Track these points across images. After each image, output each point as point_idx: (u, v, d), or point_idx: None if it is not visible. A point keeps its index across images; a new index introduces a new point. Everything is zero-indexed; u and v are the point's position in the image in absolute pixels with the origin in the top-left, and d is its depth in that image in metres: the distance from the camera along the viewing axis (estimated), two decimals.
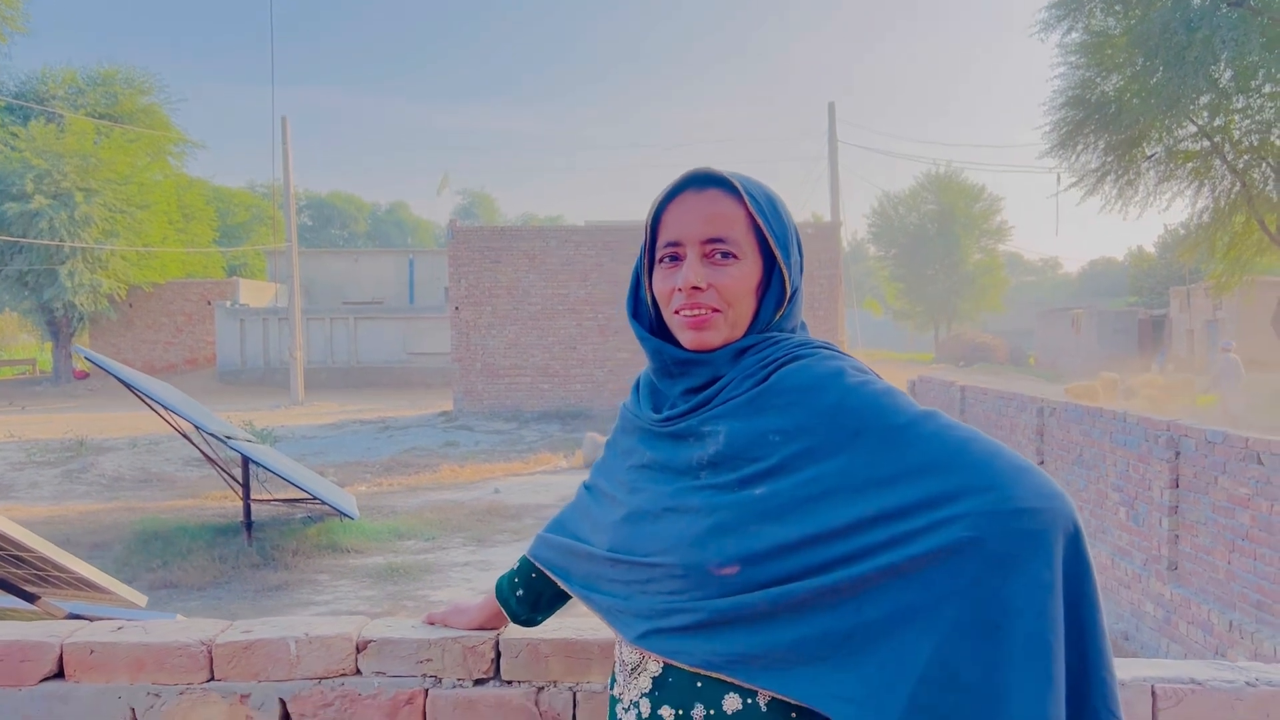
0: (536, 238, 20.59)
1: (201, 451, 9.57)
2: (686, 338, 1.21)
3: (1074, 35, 17.42)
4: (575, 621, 1.64)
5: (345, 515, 8.91)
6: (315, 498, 8.78)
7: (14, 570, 3.55)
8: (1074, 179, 18.39)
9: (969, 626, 1.01)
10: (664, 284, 1.22)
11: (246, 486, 9.32)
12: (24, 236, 26.60)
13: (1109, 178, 17.77)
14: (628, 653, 1.23)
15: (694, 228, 1.19)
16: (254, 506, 9.45)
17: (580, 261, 20.17)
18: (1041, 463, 7.54)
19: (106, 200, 27.69)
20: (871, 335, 59.56)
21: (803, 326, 1.30)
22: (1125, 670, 1.53)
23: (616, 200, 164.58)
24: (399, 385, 28.70)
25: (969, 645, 1.01)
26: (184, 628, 1.63)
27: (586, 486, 1.38)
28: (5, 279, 28.59)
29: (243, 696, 1.58)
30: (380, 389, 28.16)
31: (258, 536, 9.26)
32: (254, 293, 33.33)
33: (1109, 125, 16.93)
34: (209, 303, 31.19)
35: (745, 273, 1.19)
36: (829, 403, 1.13)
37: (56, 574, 3.48)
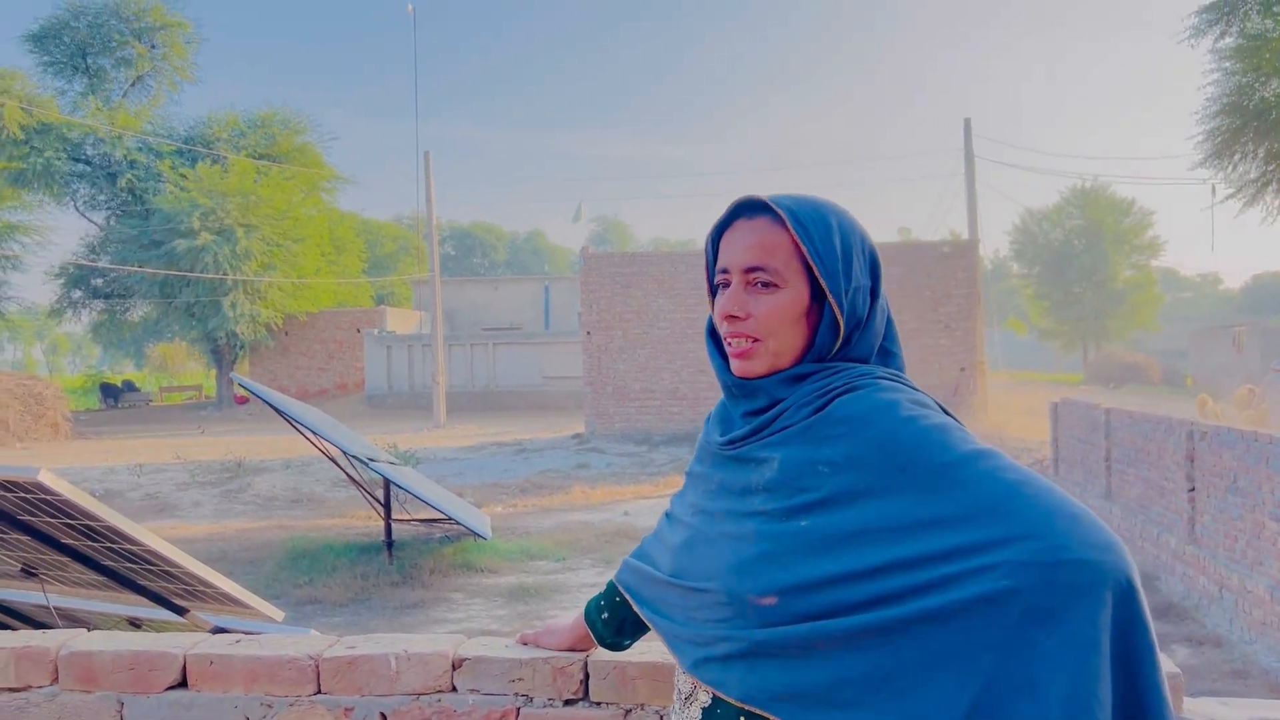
0: (665, 262, 20.75)
1: (346, 473, 10.00)
2: (733, 365, 1.23)
3: (1228, 40, 16.49)
4: (663, 645, 1.66)
5: (478, 535, 9.15)
6: (450, 518, 9.05)
7: (166, 585, 3.81)
8: (1231, 190, 17.35)
9: (1006, 680, 0.98)
10: (716, 311, 1.24)
11: (387, 507, 9.68)
12: (191, 270, 28.49)
13: (1270, 187, 16.69)
14: (683, 680, 1.25)
15: (738, 256, 1.21)
16: (394, 526, 9.80)
17: None
18: (1192, 489, 7.12)
19: (265, 235, 29.42)
20: (1016, 355, 57.41)
21: (890, 355, 1.27)
22: (1241, 710, 1.45)
23: None
24: (534, 408, 29.30)
25: (1006, 700, 0.98)
26: (294, 642, 1.73)
27: (666, 514, 1.40)
28: (175, 310, 30.65)
29: (346, 710, 1.66)
30: (517, 412, 28.81)
31: (398, 555, 9.59)
32: (400, 320, 34.72)
33: (1269, 132, 15.93)
34: (358, 330, 32.66)
35: (786, 301, 1.19)
36: (879, 434, 1.11)
37: (203, 589, 3.72)
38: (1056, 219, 46.26)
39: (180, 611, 3.87)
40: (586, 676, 1.63)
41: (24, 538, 3.58)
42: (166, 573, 3.66)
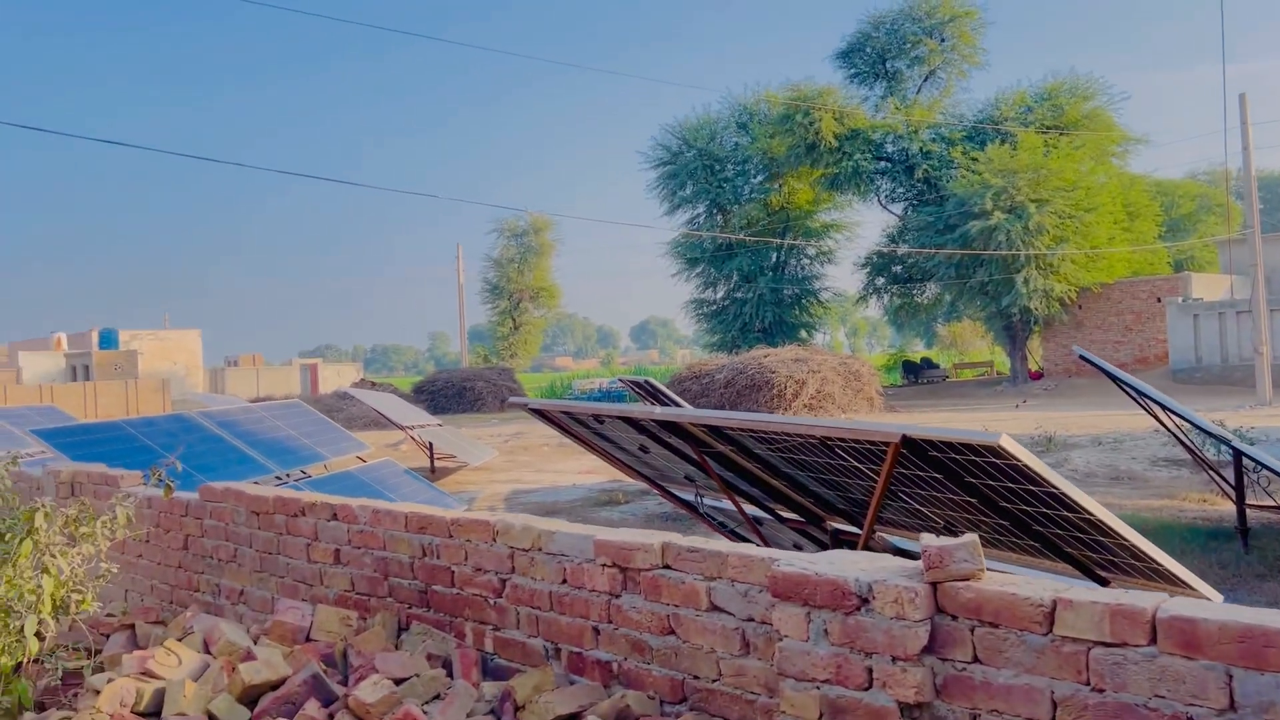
0: None
1: (1191, 451, 9.26)
2: None
3: None
4: None
5: None
6: None
7: (1090, 554, 3.84)
8: None
9: None
10: None
11: (1239, 490, 8.72)
12: (985, 250, 29.34)
13: None
14: None
15: None
16: (1249, 512, 8.79)
17: None
18: None
19: (1056, 208, 28.93)
20: None
21: None
22: None
23: None
24: None
25: None
26: None
27: None
28: (968, 290, 31.88)
29: None
30: None
31: (1255, 545, 8.60)
32: (1205, 286, 31.35)
33: None
34: (1158, 300, 30.34)
35: None
36: None
37: (1133, 562, 3.66)
38: None
39: (1102, 582, 3.87)
40: None
41: (962, 498, 3.91)
42: (1097, 542, 3.68)
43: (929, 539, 2.12)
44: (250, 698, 3.19)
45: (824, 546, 5.98)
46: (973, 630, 2.03)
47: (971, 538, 2.08)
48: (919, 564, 2.13)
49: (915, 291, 38.18)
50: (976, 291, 31.55)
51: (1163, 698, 1.75)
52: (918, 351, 53.91)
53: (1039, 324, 32.15)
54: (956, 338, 52.12)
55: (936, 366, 42.29)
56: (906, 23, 34.89)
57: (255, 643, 3.71)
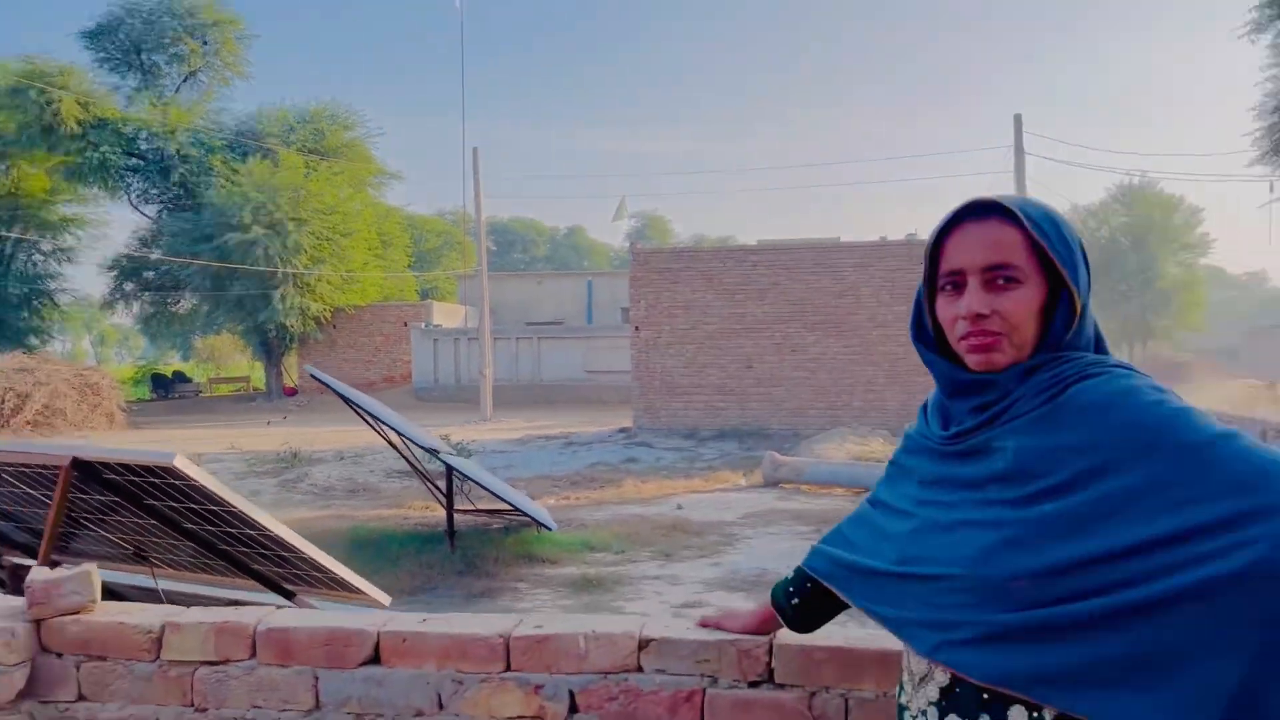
0: (714, 258, 20.76)
1: (412, 465, 10.14)
2: (973, 360, 1.24)
3: None
4: (850, 630, 1.71)
5: (544, 527, 9.24)
6: (517, 509, 9.16)
7: (278, 569, 3.91)
8: None
9: (1276, 656, 0.99)
10: (947, 311, 1.26)
11: (450, 497, 9.80)
12: (242, 264, 28.89)
13: None
14: (915, 663, 1.27)
15: (974, 256, 1.23)
16: (456, 516, 9.91)
17: (757, 280, 20.21)
18: None
19: (314, 229, 29.75)
20: None
21: (1100, 344, 1.29)
22: None
23: (787, 219, 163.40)
24: (578, 402, 29.45)
25: (1277, 676, 0.99)
26: (482, 621, 1.80)
27: (870, 501, 1.43)
28: (225, 303, 31.07)
29: (537, 687, 1.72)
30: (561, 406, 28.97)
31: (460, 545, 9.70)
32: (445, 315, 34.99)
33: None
34: (405, 324, 32.97)
35: (1028, 296, 1.21)
36: (1122, 420, 1.13)
37: (315, 574, 3.82)
38: (1103, 216, 45.63)
39: (289, 595, 3.98)
40: (770, 658, 1.68)
41: (148, 521, 3.69)
42: (281, 557, 3.77)
43: (40, 572, 1.92)
44: None
45: (2, 585, 5.21)
46: (79, 666, 1.89)
47: (86, 568, 1.94)
48: (24, 601, 1.93)
49: (170, 300, 36.04)
50: (234, 305, 30.89)
51: (260, 707, 1.81)
52: (172, 364, 50.92)
53: (295, 341, 32.69)
54: (215, 351, 50.41)
55: (190, 381, 40.40)
56: (165, 16, 32.85)
57: None
